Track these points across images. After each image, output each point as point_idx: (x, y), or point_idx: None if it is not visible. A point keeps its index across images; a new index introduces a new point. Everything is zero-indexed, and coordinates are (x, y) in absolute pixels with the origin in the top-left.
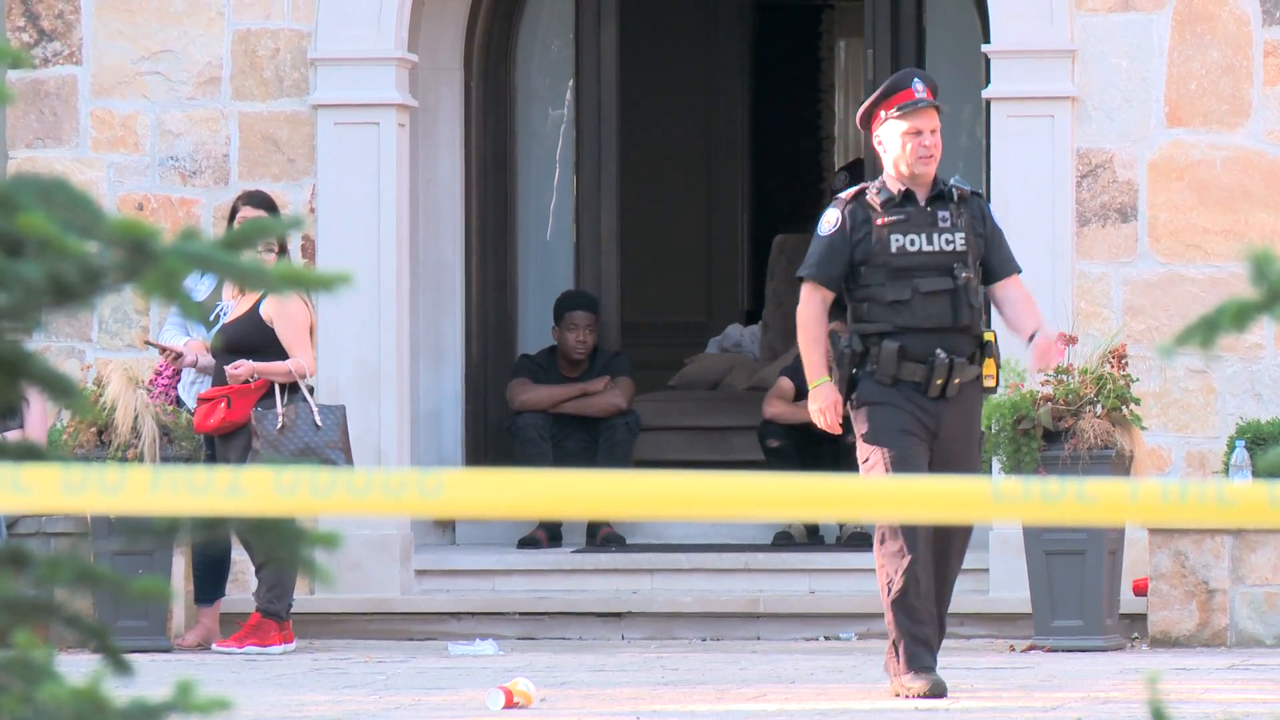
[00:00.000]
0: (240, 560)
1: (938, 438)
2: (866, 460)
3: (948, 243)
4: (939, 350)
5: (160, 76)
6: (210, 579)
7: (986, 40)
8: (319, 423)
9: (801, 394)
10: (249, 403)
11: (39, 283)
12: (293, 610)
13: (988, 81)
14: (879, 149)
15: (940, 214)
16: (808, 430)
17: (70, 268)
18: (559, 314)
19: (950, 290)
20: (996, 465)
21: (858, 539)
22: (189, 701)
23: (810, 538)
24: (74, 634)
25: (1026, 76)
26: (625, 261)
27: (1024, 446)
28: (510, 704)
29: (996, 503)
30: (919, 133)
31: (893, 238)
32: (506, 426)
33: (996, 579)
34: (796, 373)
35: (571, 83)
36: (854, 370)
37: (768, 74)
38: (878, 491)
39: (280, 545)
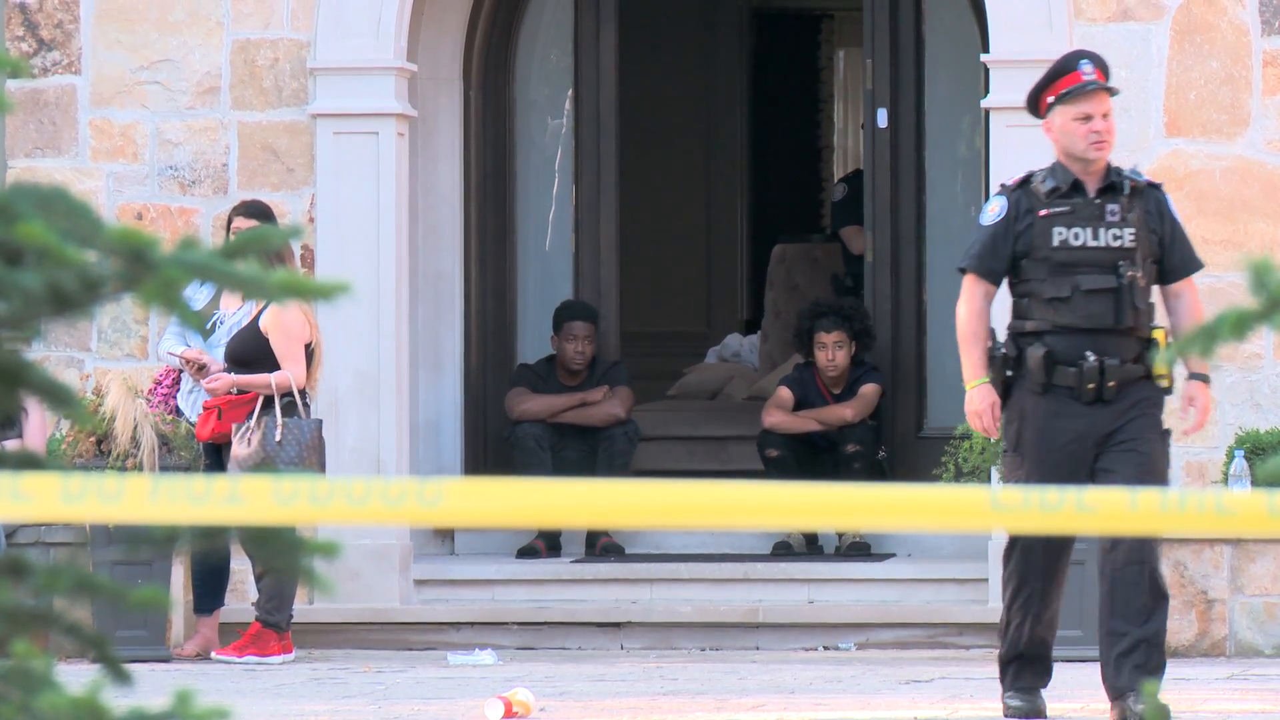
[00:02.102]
0: (239, 570)
1: (1104, 442)
2: (1011, 472)
3: (1115, 238)
4: (1089, 353)
5: (159, 86)
6: (209, 588)
7: (985, 50)
8: (279, 438)
9: (800, 404)
10: (241, 414)
11: (38, 292)
12: (292, 620)
13: (987, 91)
14: (1047, 135)
15: (1109, 207)
16: (807, 440)
17: (69, 277)
18: (558, 324)
19: (1113, 289)
20: (995, 474)
21: (857, 549)
22: (188, 711)
23: (809, 547)
24: (73, 643)
25: (1026, 86)
26: (624, 271)
27: None
28: (509, 714)
29: (996, 512)
30: (1089, 118)
31: (1055, 230)
32: (505, 436)
33: (996, 589)
34: (795, 382)
35: (570, 92)
36: (1007, 374)
37: (767, 83)
38: (876, 500)
39: (279, 554)
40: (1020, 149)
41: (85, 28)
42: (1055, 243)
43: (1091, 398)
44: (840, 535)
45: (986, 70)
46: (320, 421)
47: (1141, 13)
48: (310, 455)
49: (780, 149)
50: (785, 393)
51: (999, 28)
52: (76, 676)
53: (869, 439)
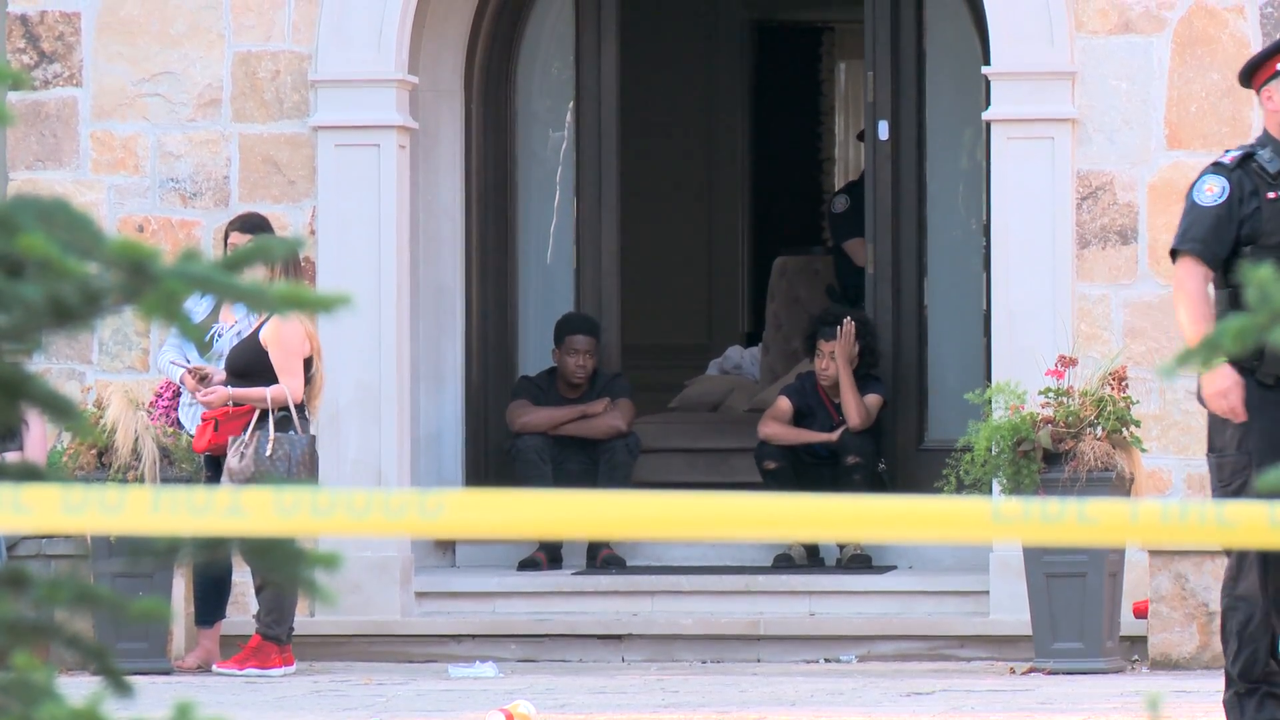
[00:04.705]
0: (241, 582)
1: None
2: (1233, 475)
3: None
4: None
5: (160, 98)
6: (211, 601)
7: (987, 62)
8: (270, 453)
9: (800, 415)
10: (237, 426)
11: (39, 304)
12: (293, 633)
13: (988, 103)
14: (1264, 106)
15: None
16: (806, 451)
17: (70, 289)
18: (559, 337)
19: None
20: (997, 487)
21: (858, 561)
22: None
23: (810, 559)
24: (74, 655)
25: (1027, 98)
26: (626, 283)
27: (1024, 468)
28: None
29: (997, 523)
30: None
31: None
32: (506, 448)
33: (997, 601)
34: (797, 391)
35: (572, 105)
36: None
37: (768, 96)
38: (878, 512)
39: (280, 566)
40: (1021, 161)
41: (86, 40)
42: None
43: None
44: (841, 547)
45: (987, 82)
46: (313, 437)
47: (1143, 25)
48: (301, 471)
49: (781, 161)
50: (784, 403)
51: (1000, 40)
52: (77, 688)
53: (869, 451)
